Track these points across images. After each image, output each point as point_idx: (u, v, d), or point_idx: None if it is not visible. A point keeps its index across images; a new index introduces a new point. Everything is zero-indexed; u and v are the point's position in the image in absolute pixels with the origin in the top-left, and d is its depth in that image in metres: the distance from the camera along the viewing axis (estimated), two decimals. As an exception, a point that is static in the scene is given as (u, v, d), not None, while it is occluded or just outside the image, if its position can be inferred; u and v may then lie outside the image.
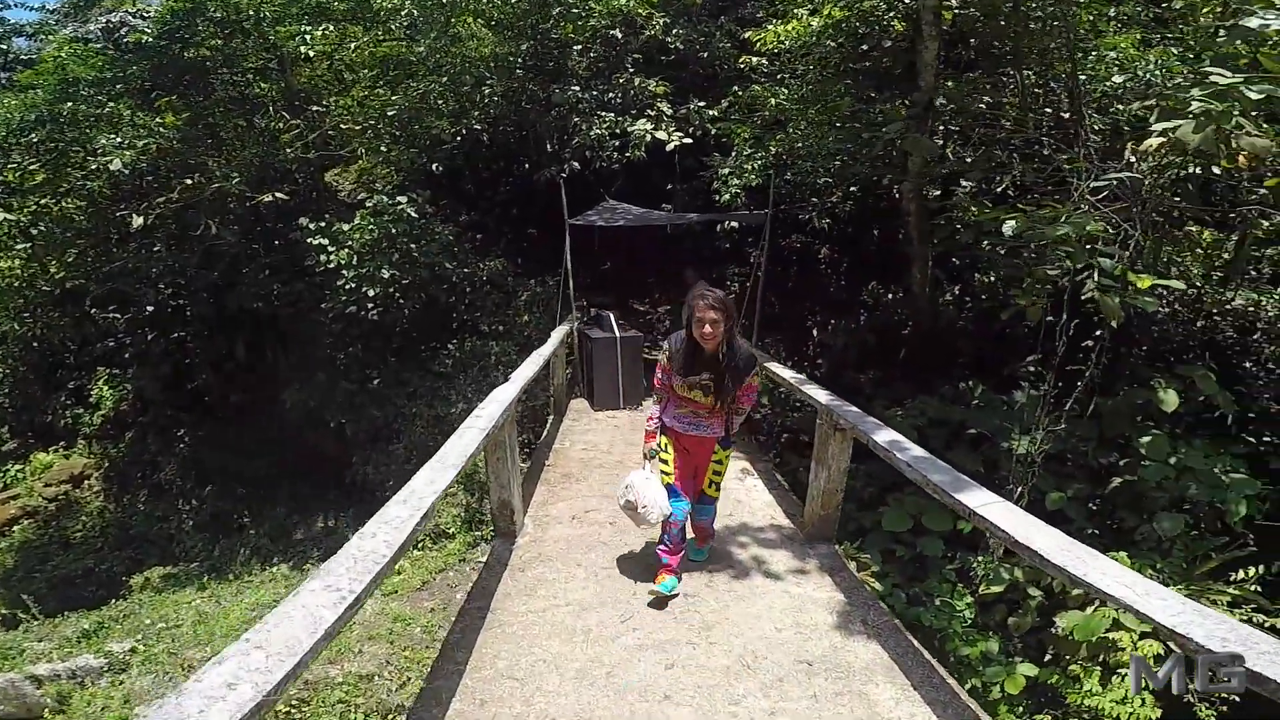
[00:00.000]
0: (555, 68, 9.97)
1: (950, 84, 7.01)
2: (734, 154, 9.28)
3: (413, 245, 9.11)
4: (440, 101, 9.39)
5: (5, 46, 11.38)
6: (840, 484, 4.79)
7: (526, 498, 5.56)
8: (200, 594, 9.38)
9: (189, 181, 8.50)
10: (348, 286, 8.76)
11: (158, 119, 8.24)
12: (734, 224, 11.83)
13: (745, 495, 5.92)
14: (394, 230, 8.90)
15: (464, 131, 9.52)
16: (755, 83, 8.82)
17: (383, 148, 9.08)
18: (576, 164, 9.79)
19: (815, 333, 11.29)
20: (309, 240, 8.74)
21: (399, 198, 8.84)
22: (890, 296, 10.85)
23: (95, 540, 12.29)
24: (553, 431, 7.79)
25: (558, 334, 8.12)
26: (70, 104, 8.03)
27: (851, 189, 10.13)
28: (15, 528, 13.08)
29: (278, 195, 8.62)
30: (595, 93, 9.92)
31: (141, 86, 8.56)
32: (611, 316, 8.77)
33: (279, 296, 10.20)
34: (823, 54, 7.66)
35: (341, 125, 8.96)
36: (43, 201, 10.26)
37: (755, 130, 8.76)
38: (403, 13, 9.09)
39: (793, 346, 11.32)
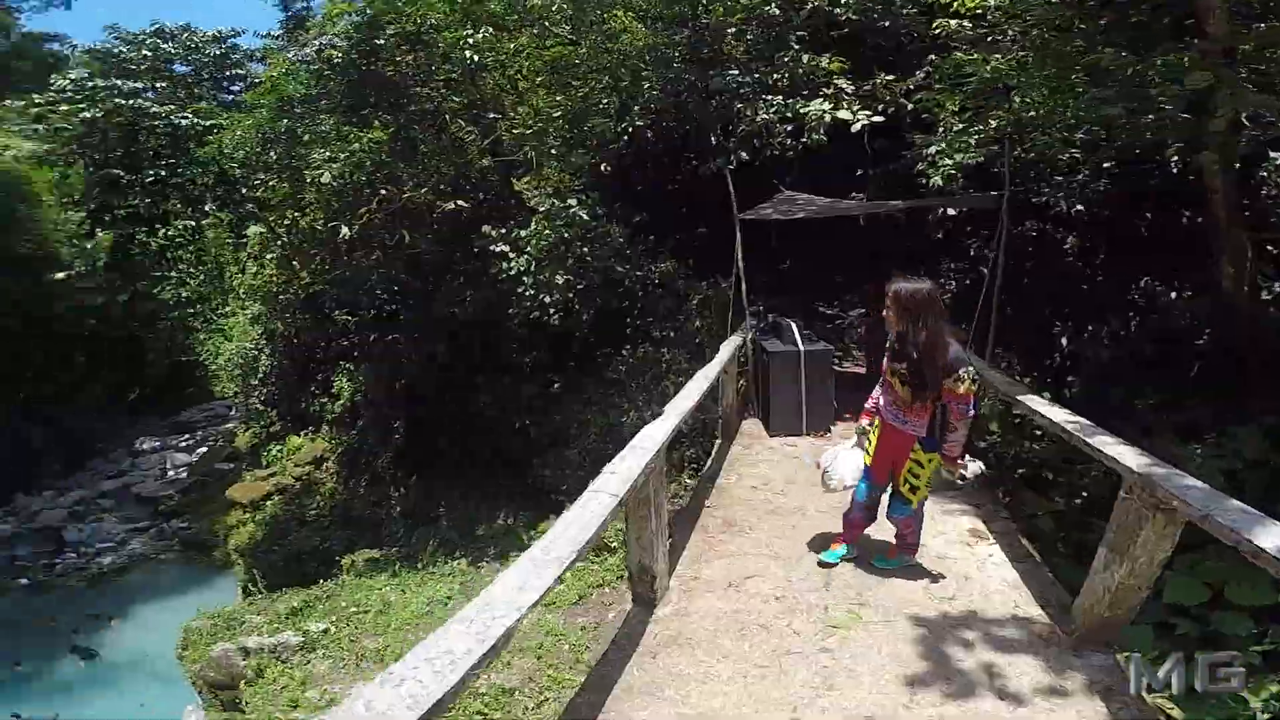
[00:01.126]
0: (710, 55, 8.99)
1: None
2: (941, 130, 7.64)
3: (585, 249, 8.69)
4: (604, 101, 8.88)
5: (242, 71, 13.12)
6: (1147, 581, 3.35)
7: (676, 552, 4.70)
8: (391, 581, 9.86)
9: (383, 192, 8.85)
10: (528, 293, 8.58)
11: (365, 133, 8.66)
12: (950, 210, 9.93)
13: (975, 569, 4.50)
14: (567, 234, 8.54)
15: (629, 129, 8.92)
16: (955, 49, 7.22)
17: (552, 150, 8.76)
18: (744, 154, 8.70)
19: (1065, 341, 9.05)
20: (491, 248, 8.69)
21: (569, 200, 8.44)
22: (1174, 296, 8.35)
23: (324, 519, 13.78)
24: (718, 460, 6.85)
25: (728, 348, 7.14)
26: (286, 121, 8.76)
27: (1105, 164, 7.94)
28: (269, 502, 15.16)
29: (460, 203, 8.69)
30: (757, 75, 8.79)
31: (345, 103, 9.11)
32: (794, 325, 7.54)
33: (471, 303, 10.42)
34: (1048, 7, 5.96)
35: (514, 130, 8.80)
36: (288, 214, 11.60)
37: (966, 101, 7.08)
38: (554, 9, 8.71)
39: (1030, 359, 9.21)
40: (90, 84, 9.31)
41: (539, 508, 10.26)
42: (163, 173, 9.97)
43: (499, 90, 9.82)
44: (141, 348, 21.09)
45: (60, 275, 12.84)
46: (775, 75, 8.78)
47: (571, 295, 8.69)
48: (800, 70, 8.60)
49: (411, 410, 13.56)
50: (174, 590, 14.33)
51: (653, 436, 4.01)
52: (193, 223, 10.58)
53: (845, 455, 4.40)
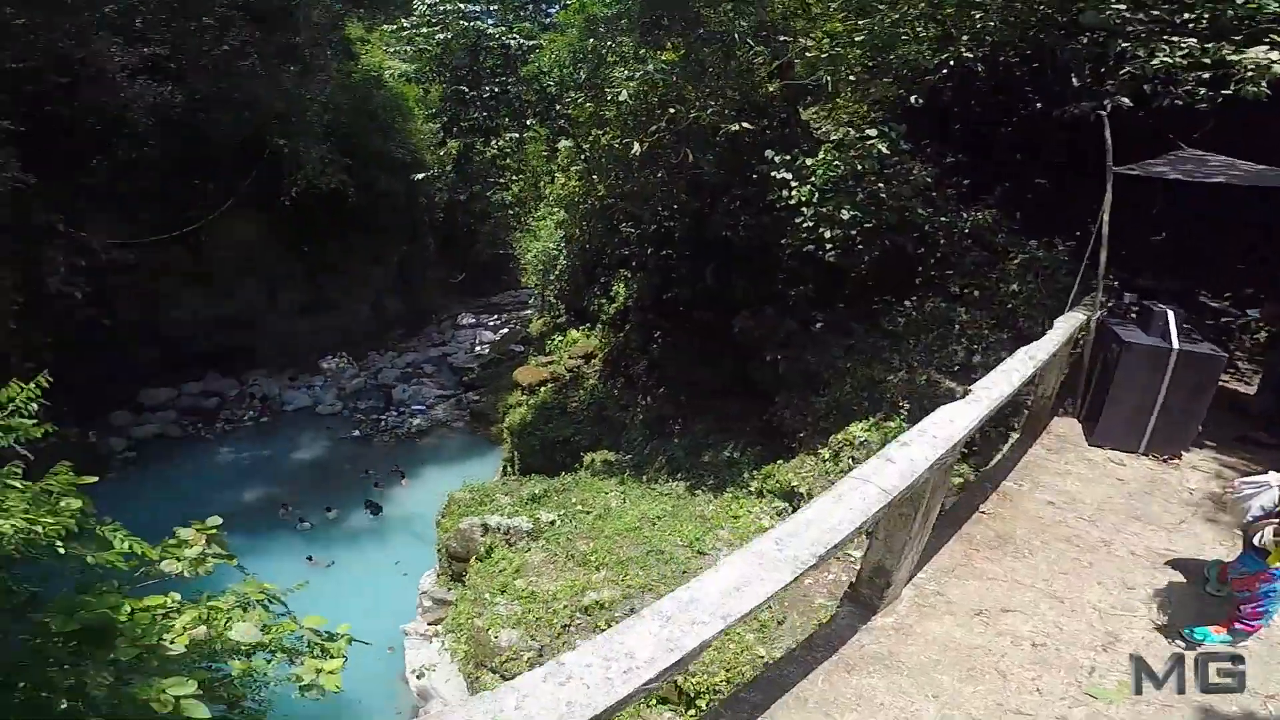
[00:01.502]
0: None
1: None
2: None
3: (880, 185, 7.60)
4: (920, 27, 7.39)
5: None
6: None
7: (922, 557, 3.89)
8: (617, 486, 10.27)
9: (672, 111, 8.61)
10: (805, 225, 7.88)
11: (658, 53, 8.45)
12: None
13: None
14: (860, 167, 7.53)
15: (951, 61, 7.38)
16: None
17: (850, 78, 7.63)
18: (1126, 100, 6.60)
19: None
20: (772, 174, 8.06)
21: (869, 131, 7.35)
22: None
23: (581, 413, 14.94)
24: (1011, 459, 5.57)
25: (1065, 325, 5.64)
26: (592, 40, 8.86)
27: None
28: (543, 389, 16.87)
29: (744, 125, 8.10)
30: (1155, 13, 6.49)
31: (641, 23, 8.91)
32: (1170, 315, 5.62)
33: (744, 228, 10.00)
34: None
35: (808, 54, 7.81)
36: (590, 131, 12.18)
37: None
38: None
39: None
40: (442, 8, 10.31)
41: (769, 448, 9.80)
42: (496, 89, 10.90)
43: (790, 13, 8.80)
44: (474, 239, 24.96)
45: (421, 176, 15.23)
46: (1187, 14, 6.49)
47: (855, 232, 7.73)
48: (1230, 12, 6.21)
49: (672, 324, 13.82)
50: (456, 457, 16.71)
51: (951, 424, 3.23)
52: (517, 135, 11.53)
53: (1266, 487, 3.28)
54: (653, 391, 14.12)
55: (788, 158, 8.03)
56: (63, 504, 3.85)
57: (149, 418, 16.71)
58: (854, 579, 3.52)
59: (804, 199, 7.81)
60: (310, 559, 12.65)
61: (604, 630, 1.81)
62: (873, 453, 8.30)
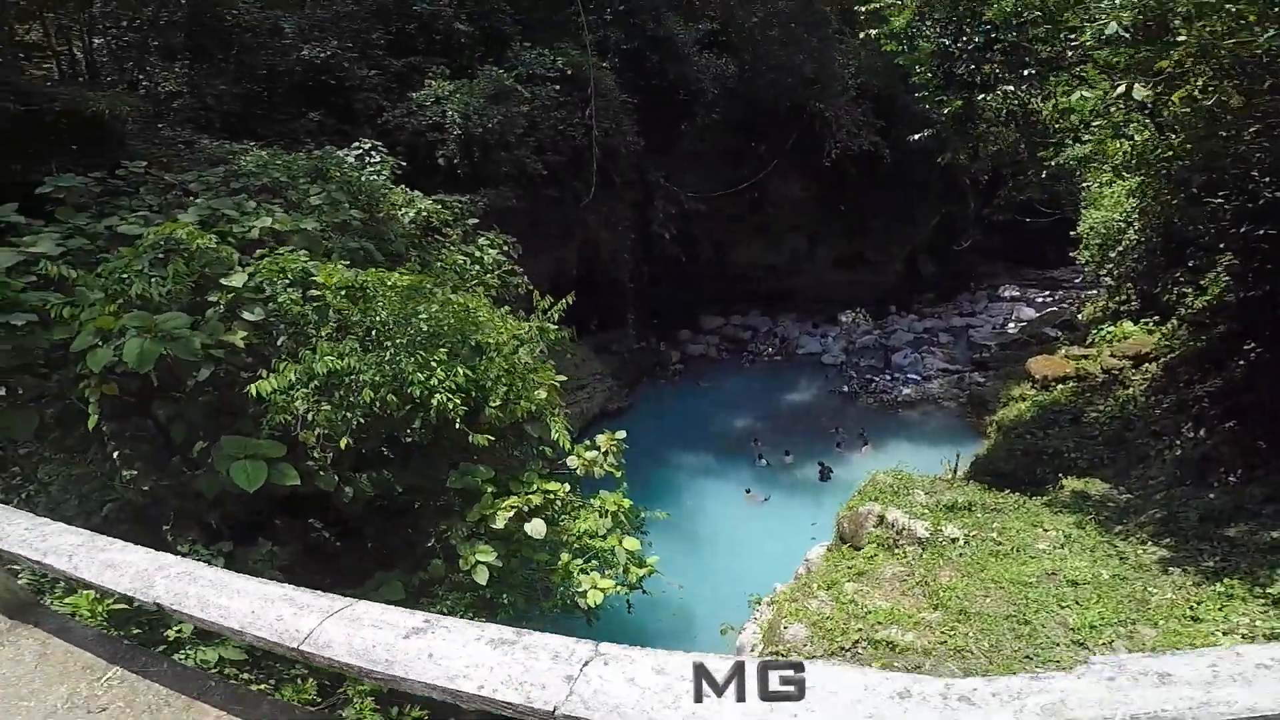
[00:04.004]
0: None
1: None
2: None
3: None
4: None
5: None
6: None
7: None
8: (1070, 528, 7.29)
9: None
10: None
11: None
12: None
13: None
14: None
15: None
16: None
17: None
18: None
19: None
20: None
21: None
22: None
23: (1096, 427, 11.23)
24: None
25: None
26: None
27: None
28: (1060, 386, 13.22)
29: None
30: None
31: None
32: None
33: None
34: None
35: None
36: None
37: None
38: None
39: None
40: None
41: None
42: (979, 38, 8.87)
43: None
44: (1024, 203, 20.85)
45: (917, 137, 13.27)
46: None
47: None
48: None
49: (1274, 337, 8.93)
50: (931, 438, 14.78)
51: None
52: (1011, 88, 9.04)
53: None
54: (1212, 423, 9.51)
55: None
56: (535, 394, 5.34)
57: (700, 339, 20.57)
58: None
59: None
60: (749, 491, 13.65)
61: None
62: None
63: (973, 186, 19.13)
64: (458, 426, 4.39)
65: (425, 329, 4.60)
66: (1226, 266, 11.26)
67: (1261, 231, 8.66)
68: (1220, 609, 5.33)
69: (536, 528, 4.78)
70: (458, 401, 4.33)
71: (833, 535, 9.60)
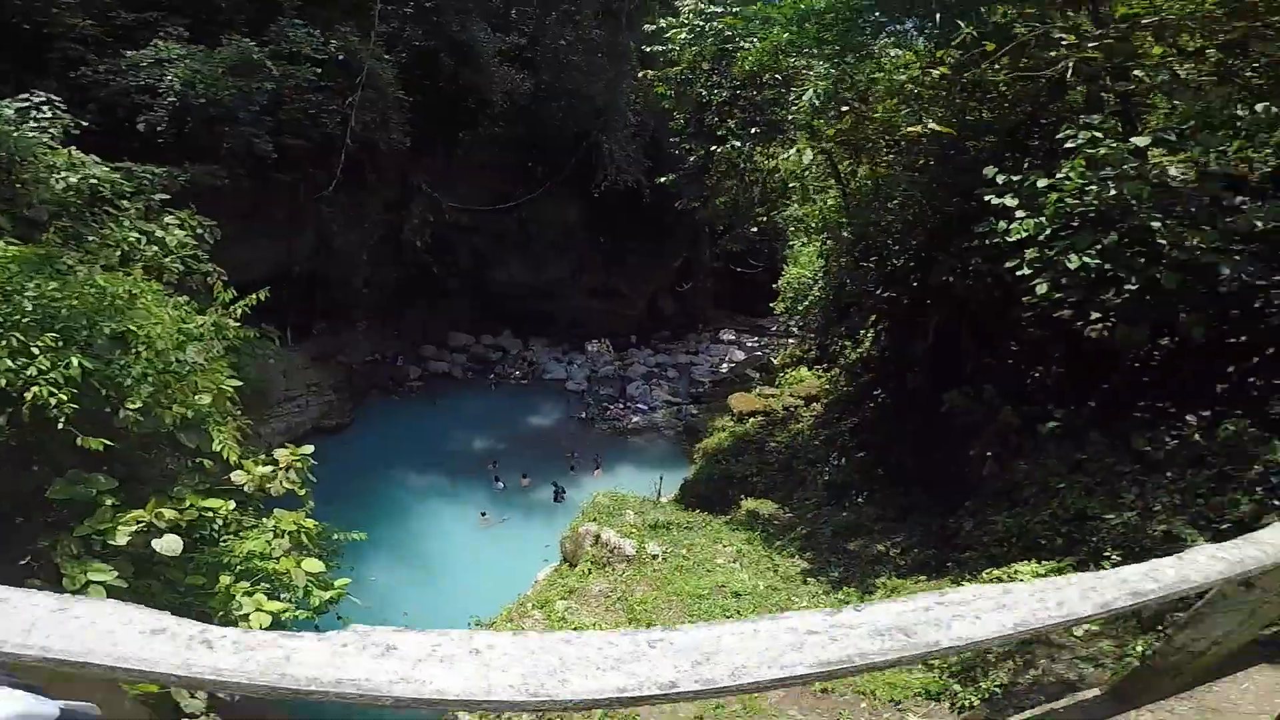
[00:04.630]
0: None
1: None
2: None
3: (1159, 221, 4.84)
4: None
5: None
6: None
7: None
8: (744, 544, 8.42)
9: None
10: (1022, 272, 5.55)
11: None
12: None
13: None
14: (1128, 194, 4.90)
15: None
16: None
17: None
18: None
19: None
20: (986, 200, 5.78)
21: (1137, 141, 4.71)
22: None
23: (773, 456, 13.19)
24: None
25: None
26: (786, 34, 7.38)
27: None
28: (752, 420, 15.37)
29: (933, 127, 5.97)
30: None
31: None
32: None
33: (975, 274, 7.53)
34: None
35: None
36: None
37: None
38: None
39: None
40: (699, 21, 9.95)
41: (937, 557, 7.29)
42: (726, 94, 10.17)
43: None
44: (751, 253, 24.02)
45: (662, 180, 14.45)
46: None
47: (1104, 289, 5.11)
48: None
49: (891, 384, 11.31)
50: (654, 463, 16.14)
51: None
52: (738, 144, 10.49)
53: None
54: (850, 454, 11.79)
55: (1015, 178, 5.60)
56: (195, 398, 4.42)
57: (447, 356, 19.86)
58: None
59: (1027, 234, 5.36)
60: (484, 515, 13.46)
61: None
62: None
63: (710, 234, 21.45)
64: (61, 427, 3.53)
65: (31, 309, 3.65)
66: (872, 324, 14.13)
67: (886, 295, 10.80)
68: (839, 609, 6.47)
69: (168, 544, 4.05)
70: (63, 397, 3.49)
71: (556, 558, 9.81)
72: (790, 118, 9.19)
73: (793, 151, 8.56)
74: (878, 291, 11.09)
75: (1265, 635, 3.56)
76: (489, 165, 18.49)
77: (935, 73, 7.67)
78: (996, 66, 6.80)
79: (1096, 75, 6.19)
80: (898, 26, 8.85)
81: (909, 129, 6.72)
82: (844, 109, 8.18)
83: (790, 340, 18.25)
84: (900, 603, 1.61)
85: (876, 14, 8.06)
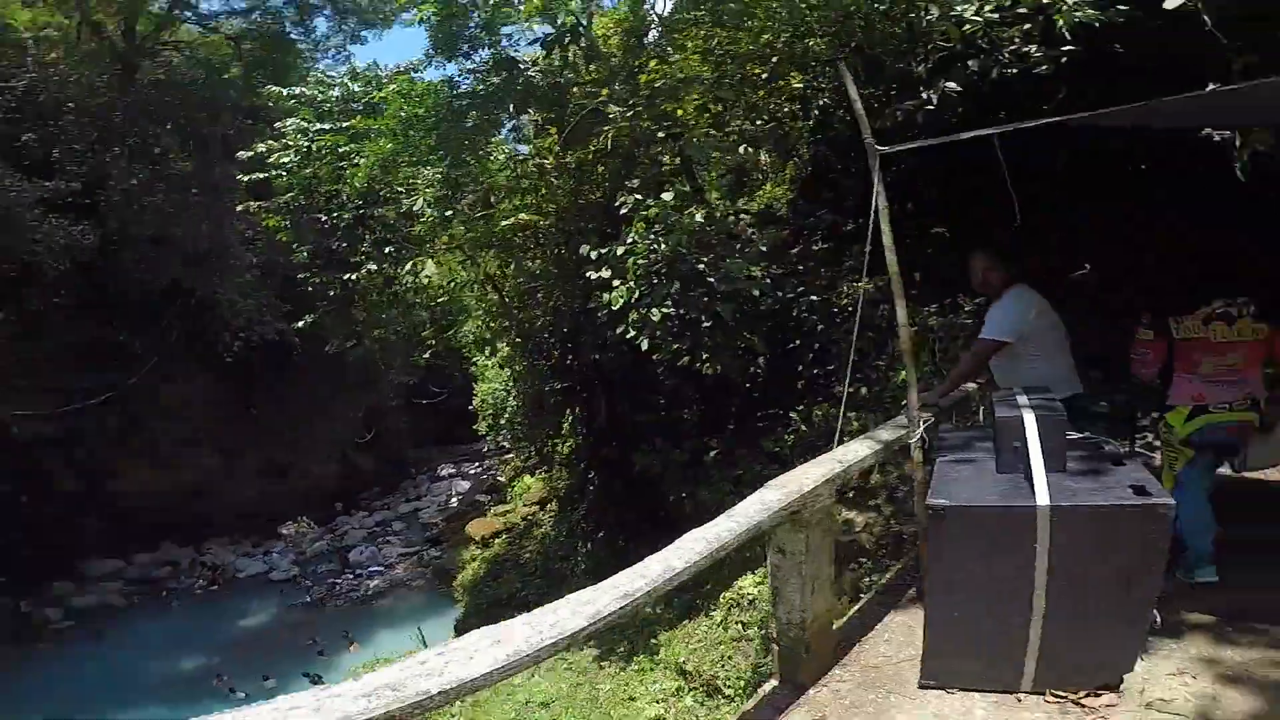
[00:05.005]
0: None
1: None
2: None
3: (704, 264, 5.75)
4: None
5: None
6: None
7: None
8: None
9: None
10: (628, 334, 6.05)
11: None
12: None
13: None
14: (680, 246, 5.75)
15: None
16: None
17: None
18: (951, 86, 4.82)
19: None
20: (589, 274, 6.36)
21: (664, 196, 5.66)
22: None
23: (531, 565, 12.79)
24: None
25: (817, 470, 3.17)
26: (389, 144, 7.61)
27: None
28: (497, 540, 14.75)
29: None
30: None
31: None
32: (1030, 421, 2.70)
33: (609, 346, 8.20)
34: None
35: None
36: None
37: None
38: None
39: None
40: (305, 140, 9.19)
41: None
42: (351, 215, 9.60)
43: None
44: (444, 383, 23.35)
45: (300, 324, 12.26)
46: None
47: (684, 333, 5.81)
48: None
49: (599, 462, 11.78)
50: (413, 617, 14.62)
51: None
52: (374, 266, 9.98)
53: None
54: (593, 537, 11.88)
55: (604, 250, 6.29)
56: None
57: (92, 588, 15.45)
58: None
59: (625, 299, 5.97)
60: None
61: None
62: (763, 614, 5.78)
63: (386, 373, 20.06)
64: None
65: None
66: (563, 417, 14.58)
67: (561, 386, 11.27)
68: (642, 684, 6.35)
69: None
70: None
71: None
72: (417, 230, 9.23)
73: (420, 267, 8.58)
74: (554, 385, 11.59)
75: (885, 584, 4.19)
76: (60, 349, 14.10)
77: (546, 163, 8.46)
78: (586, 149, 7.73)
79: (643, 142, 7.34)
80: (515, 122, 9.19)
81: (504, 223, 7.19)
82: (474, 213, 8.40)
83: (510, 454, 18.03)
84: (404, 661, 1.69)
85: (477, 113, 7.93)
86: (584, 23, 7.63)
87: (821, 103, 7.02)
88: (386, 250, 9.65)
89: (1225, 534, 3.28)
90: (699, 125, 7.19)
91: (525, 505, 15.31)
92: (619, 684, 6.78)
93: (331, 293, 11.18)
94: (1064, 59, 4.24)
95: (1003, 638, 2.54)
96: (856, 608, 3.85)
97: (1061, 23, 3.86)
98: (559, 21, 6.17)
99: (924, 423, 3.34)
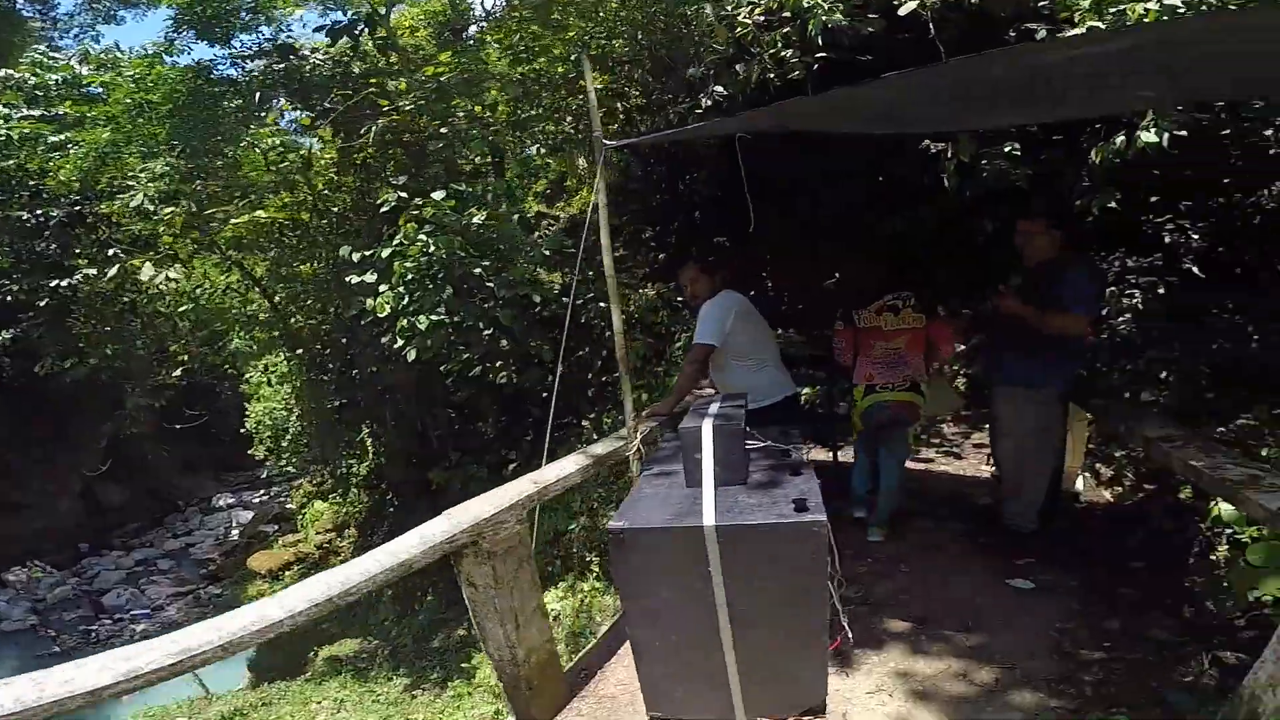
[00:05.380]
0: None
1: None
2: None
3: (483, 269, 5.37)
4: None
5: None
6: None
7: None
8: (337, 692, 7.29)
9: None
10: (394, 343, 5.45)
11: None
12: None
13: None
14: (458, 248, 5.29)
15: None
16: None
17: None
18: (722, 90, 5.04)
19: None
20: (349, 279, 5.66)
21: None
22: None
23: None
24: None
25: (569, 463, 3.28)
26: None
27: None
28: (287, 573, 13.09)
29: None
30: None
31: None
32: (705, 430, 2.56)
33: (391, 359, 7.47)
34: None
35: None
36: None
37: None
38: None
39: None
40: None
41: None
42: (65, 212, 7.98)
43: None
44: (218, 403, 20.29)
45: (8, 335, 10.78)
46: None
47: (462, 342, 5.39)
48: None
49: (402, 483, 10.90)
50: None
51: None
52: (94, 271, 8.41)
53: None
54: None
55: (368, 253, 5.65)
56: None
57: None
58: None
59: (392, 305, 5.38)
60: None
61: None
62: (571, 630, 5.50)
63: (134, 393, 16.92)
64: None
65: None
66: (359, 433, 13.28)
67: (342, 403, 10.24)
68: (459, 710, 5.93)
69: None
70: None
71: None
72: (138, 229, 7.83)
73: (135, 270, 7.28)
74: (340, 401, 10.48)
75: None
76: None
77: (324, 156, 7.52)
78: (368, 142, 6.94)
79: (433, 138, 6.85)
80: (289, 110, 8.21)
81: (235, 220, 6.26)
82: (230, 210, 7.29)
83: (299, 479, 16.07)
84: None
85: (241, 101, 7.20)
86: (381, 11, 6.98)
87: (625, 105, 6.99)
88: (110, 253, 8.05)
89: (876, 492, 4.20)
90: (500, 123, 6.89)
91: (319, 533, 13.72)
92: (434, 712, 6.33)
93: (40, 303, 9.13)
94: (815, 65, 4.49)
95: (703, 666, 2.38)
96: (603, 633, 3.80)
97: (812, 28, 4.04)
98: (350, 9, 5.54)
99: (640, 434, 3.35)
